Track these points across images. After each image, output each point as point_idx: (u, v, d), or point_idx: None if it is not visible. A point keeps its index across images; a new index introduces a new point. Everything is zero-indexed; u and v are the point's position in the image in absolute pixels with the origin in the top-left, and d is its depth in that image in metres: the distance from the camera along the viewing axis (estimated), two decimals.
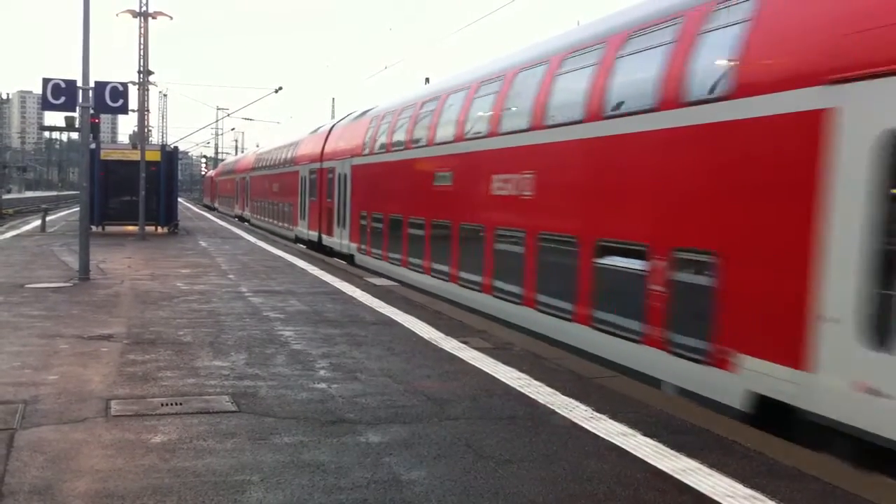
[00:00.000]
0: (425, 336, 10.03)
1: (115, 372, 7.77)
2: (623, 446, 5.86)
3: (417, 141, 17.56)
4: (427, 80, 36.49)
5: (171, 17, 31.54)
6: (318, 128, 32.62)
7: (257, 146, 71.57)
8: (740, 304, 7.59)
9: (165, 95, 75.03)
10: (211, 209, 71.88)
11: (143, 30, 30.89)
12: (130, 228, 29.56)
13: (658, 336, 8.79)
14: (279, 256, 21.47)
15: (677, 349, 8.48)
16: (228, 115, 73.73)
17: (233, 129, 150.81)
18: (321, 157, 27.58)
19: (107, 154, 30.43)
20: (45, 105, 15.36)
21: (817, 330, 6.58)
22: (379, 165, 20.54)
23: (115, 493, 4.74)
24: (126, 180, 29.16)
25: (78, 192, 19.99)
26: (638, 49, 9.67)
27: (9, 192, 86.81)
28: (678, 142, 8.75)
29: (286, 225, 34.37)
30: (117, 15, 30.42)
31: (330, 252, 24.97)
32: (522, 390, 7.43)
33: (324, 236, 26.84)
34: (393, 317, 11.51)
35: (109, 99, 15.77)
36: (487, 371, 8.18)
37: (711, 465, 5.48)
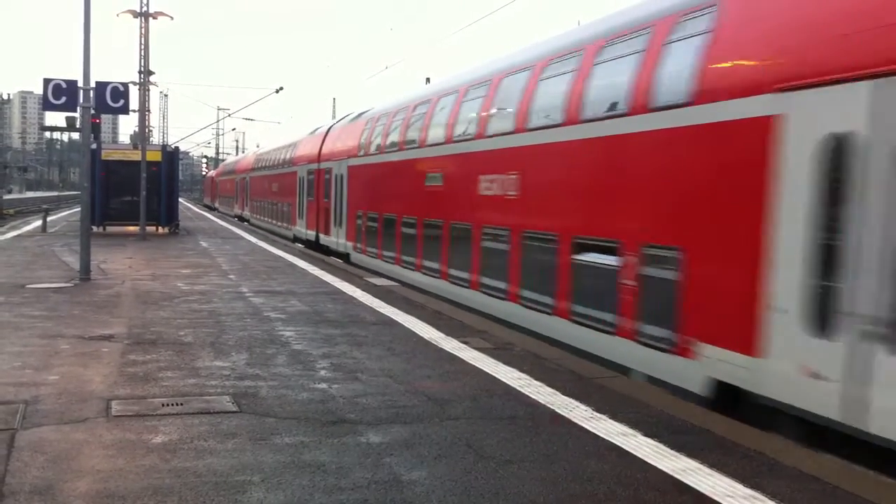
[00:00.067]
0: (426, 336, 10.04)
1: (116, 372, 7.78)
2: (623, 446, 5.87)
3: (410, 142, 18.03)
4: (427, 80, 36.51)
5: (172, 18, 31.61)
6: (316, 129, 32.95)
7: (257, 146, 71.66)
8: (700, 296, 8.12)
9: (166, 95, 75.14)
10: (211, 209, 71.98)
11: (143, 30, 30.93)
12: (131, 229, 29.59)
13: (629, 327, 9.31)
14: (280, 257, 21.48)
15: (645, 339, 9.01)
16: (229, 115, 73.71)
17: (233, 129, 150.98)
18: (319, 157, 27.92)
19: (108, 154, 30.44)
20: (46, 105, 15.37)
21: (767, 319, 7.11)
22: (374, 166, 21.01)
23: (116, 494, 4.75)
24: (127, 180, 29.18)
25: (79, 193, 20.03)
26: (612, 57, 10.19)
27: (10, 192, 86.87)
28: (646, 145, 9.26)
29: (285, 224, 34.76)
30: (118, 15, 30.48)
31: (327, 251, 25.39)
32: (523, 390, 7.44)
33: (321, 235, 27.26)
34: (393, 317, 11.51)
35: (110, 99, 15.79)
36: (488, 371, 8.19)
37: (711, 465, 5.48)
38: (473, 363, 8.55)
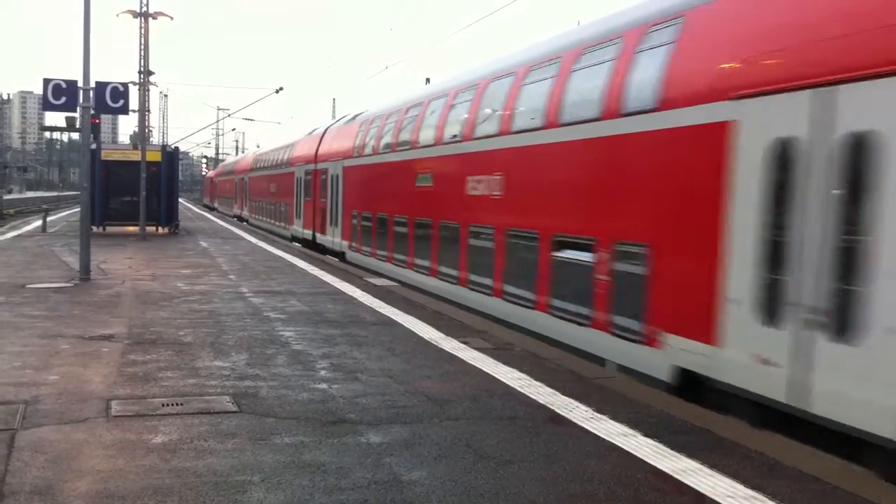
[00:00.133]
0: (425, 336, 10.04)
1: (116, 372, 7.78)
2: (623, 447, 5.87)
3: (402, 144, 18.51)
4: (427, 80, 36.55)
5: (172, 18, 31.63)
6: (313, 130, 33.35)
7: (257, 146, 71.73)
8: (665, 290, 8.66)
9: (166, 96, 75.17)
10: (211, 209, 72.05)
11: (143, 30, 30.93)
12: (131, 229, 29.58)
13: (602, 319, 9.83)
14: (280, 257, 21.48)
15: (617, 330, 9.52)
16: (229, 115, 73.85)
17: (233, 129, 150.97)
18: (315, 158, 28.37)
19: (107, 154, 30.44)
20: (46, 105, 15.38)
21: (723, 310, 7.65)
22: (368, 167, 21.55)
23: (116, 494, 4.75)
24: (127, 181, 29.17)
25: (78, 193, 20.02)
26: (587, 64, 10.73)
27: (9, 192, 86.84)
28: (617, 148, 9.81)
29: (283, 224, 35.18)
30: (118, 15, 30.50)
31: (323, 250, 25.89)
32: (523, 390, 7.44)
33: (318, 235, 27.70)
34: (393, 317, 11.51)
35: (110, 99, 15.79)
36: (488, 371, 8.19)
37: (712, 466, 5.48)
38: (473, 363, 8.55)
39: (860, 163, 6.34)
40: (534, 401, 7.10)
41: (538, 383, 7.71)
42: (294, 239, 31.28)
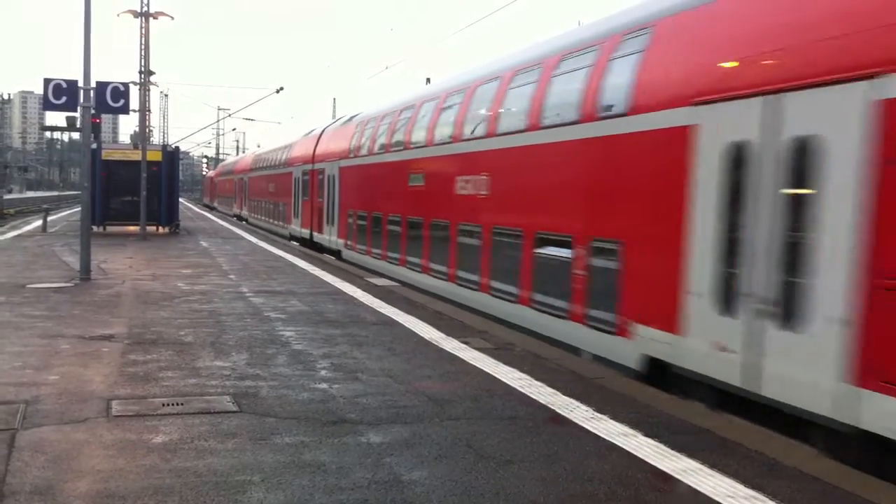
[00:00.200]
0: (426, 336, 10.04)
1: (117, 372, 7.78)
2: (624, 447, 5.87)
3: (395, 145, 19.05)
4: (428, 80, 36.60)
5: (172, 18, 31.64)
6: (311, 131, 33.83)
7: (258, 146, 71.78)
8: (636, 283, 9.17)
9: (166, 95, 75.17)
10: (211, 209, 72.14)
11: (143, 30, 30.95)
12: (131, 228, 29.59)
13: (579, 312, 10.34)
14: (280, 257, 21.48)
15: (592, 322, 10.02)
16: (229, 115, 73.57)
17: (234, 129, 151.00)
18: (313, 159, 28.83)
19: (108, 154, 30.43)
20: (47, 105, 15.38)
21: (686, 302, 8.18)
22: (363, 167, 22.11)
23: (117, 494, 4.75)
24: (127, 180, 29.18)
25: (79, 193, 20.03)
26: (567, 70, 11.24)
27: (10, 192, 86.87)
28: (593, 149, 10.32)
29: (281, 223, 35.73)
30: (118, 15, 30.52)
31: (320, 248, 26.44)
32: (523, 391, 7.44)
33: (315, 233, 28.22)
34: (394, 317, 11.51)
35: (111, 99, 15.78)
36: (488, 371, 8.19)
37: (712, 466, 5.48)
38: (474, 363, 8.55)
39: (803, 165, 6.82)
40: (534, 401, 7.10)
41: (539, 383, 7.71)
42: (292, 238, 31.68)
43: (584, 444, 5.91)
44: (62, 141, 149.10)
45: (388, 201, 19.35)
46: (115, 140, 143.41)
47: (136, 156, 29.04)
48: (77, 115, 17.98)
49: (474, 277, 13.79)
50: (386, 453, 5.59)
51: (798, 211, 6.84)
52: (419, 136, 17.26)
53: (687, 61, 8.62)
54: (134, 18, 30.75)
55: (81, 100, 15.07)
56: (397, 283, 16.03)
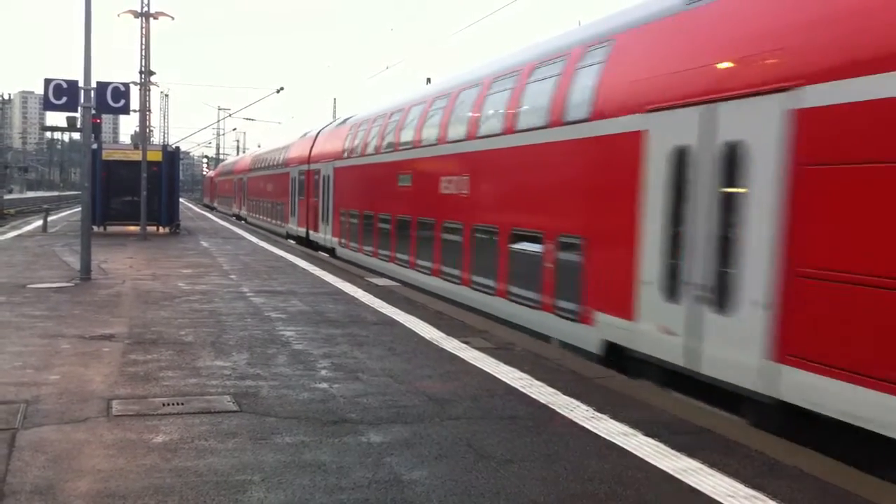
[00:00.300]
0: (426, 336, 10.04)
1: (117, 372, 7.78)
2: (624, 446, 5.87)
3: (386, 147, 19.88)
4: (428, 80, 36.66)
5: (173, 18, 31.65)
6: (307, 132, 34.57)
7: (258, 146, 71.87)
8: (597, 274, 9.95)
9: (167, 95, 75.10)
10: (211, 209, 72.23)
11: (144, 30, 30.95)
12: (132, 228, 29.59)
13: (549, 302, 11.11)
14: (281, 257, 21.49)
15: (560, 311, 10.78)
16: (230, 115, 73.58)
17: (234, 129, 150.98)
18: (309, 159, 29.59)
19: (108, 154, 30.42)
20: (47, 105, 15.38)
21: (638, 290, 8.94)
22: (355, 168, 23.01)
23: (117, 493, 4.75)
24: (127, 180, 29.18)
25: (79, 193, 20.04)
26: (539, 78, 12.01)
27: (10, 192, 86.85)
28: (560, 152, 11.08)
29: (278, 222, 36.59)
30: (119, 15, 30.53)
31: (316, 246, 27.24)
32: (524, 390, 7.44)
33: (310, 232, 29.01)
34: (394, 317, 11.51)
35: (111, 99, 15.78)
36: (489, 371, 8.19)
37: (713, 466, 5.48)
38: (474, 363, 8.55)
39: (733, 167, 7.60)
40: (535, 400, 7.10)
41: (539, 383, 7.71)
42: (289, 236, 32.35)
43: (584, 444, 5.91)
44: (62, 141, 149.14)
45: (378, 201, 20.14)
46: (115, 140, 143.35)
47: (136, 156, 29.04)
48: (77, 115, 17.96)
49: (456, 272, 14.59)
50: (386, 453, 5.59)
51: (729, 208, 7.64)
52: (407, 137, 18.08)
53: (640, 72, 9.41)
54: (134, 18, 30.76)
55: (82, 100, 15.07)
56: (397, 283, 16.08)
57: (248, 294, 13.64)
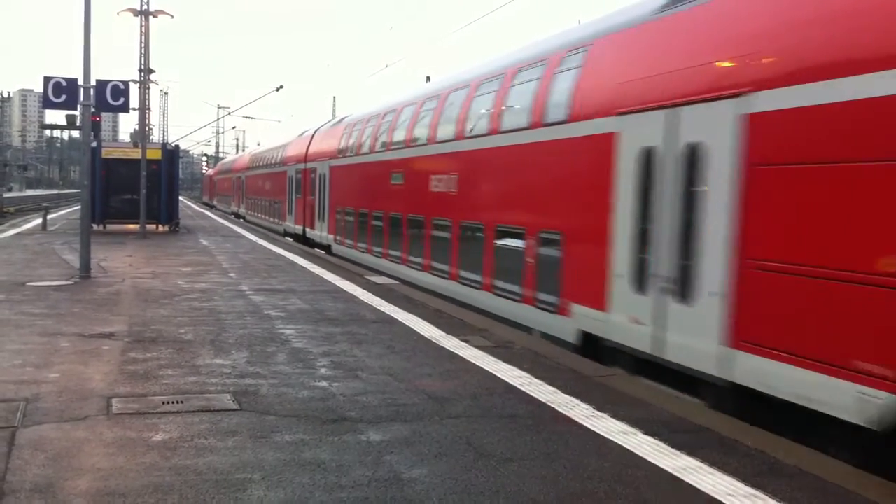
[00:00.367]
0: (426, 334, 10.04)
1: (117, 370, 7.78)
2: (624, 445, 5.87)
3: (379, 146, 20.45)
4: (428, 78, 36.66)
5: (172, 16, 31.62)
6: (304, 132, 35.18)
7: (258, 144, 71.90)
8: (574, 268, 10.48)
9: (166, 94, 75.14)
10: (210, 207, 72.27)
11: (143, 28, 30.91)
12: (131, 227, 29.57)
13: (530, 295, 11.63)
14: (280, 255, 21.48)
15: (540, 304, 11.29)
16: (229, 113, 73.72)
17: (233, 127, 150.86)
18: (305, 158, 30.09)
19: (108, 152, 30.39)
20: (47, 103, 15.38)
21: (611, 283, 9.45)
22: (350, 167, 23.62)
23: (117, 492, 4.75)
24: (127, 179, 29.18)
25: (79, 191, 20.04)
26: (522, 81, 12.55)
27: (10, 190, 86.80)
28: (540, 152, 11.63)
29: (276, 220, 37.22)
30: (118, 13, 30.46)
31: (312, 244, 27.78)
32: (523, 389, 7.44)
33: (307, 229, 29.57)
34: (394, 315, 11.51)
35: (110, 97, 15.78)
36: (488, 369, 8.19)
37: (712, 464, 5.48)
38: (474, 361, 8.55)
39: (693, 167, 8.13)
40: (534, 399, 7.10)
41: (539, 381, 7.71)
42: (286, 234, 32.83)
43: (583, 443, 5.91)
44: (62, 139, 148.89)
45: (372, 199, 20.70)
46: (115, 138, 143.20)
47: (135, 154, 29.02)
48: (77, 113, 17.98)
49: (445, 267, 15.14)
50: (386, 451, 5.59)
51: (690, 205, 8.17)
52: (400, 137, 18.63)
53: (613, 77, 9.94)
54: (134, 17, 30.71)
55: (81, 98, 15.04)
56: (396, 281, 16.11)
57: (248, 292, 13.63)
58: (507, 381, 7.73)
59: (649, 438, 6.02)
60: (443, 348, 9.22)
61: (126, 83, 16.09)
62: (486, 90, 13.94)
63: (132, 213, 29.03)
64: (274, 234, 31.72)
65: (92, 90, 15.15)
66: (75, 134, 66.57)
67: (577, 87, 10.65)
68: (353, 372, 7.95)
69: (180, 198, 40.13)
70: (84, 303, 12.01)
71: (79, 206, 20.32)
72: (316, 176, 28.01)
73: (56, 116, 64.05)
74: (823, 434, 6.53)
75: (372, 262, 20.05)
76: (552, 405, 6.90)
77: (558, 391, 7.36)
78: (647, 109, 8.93)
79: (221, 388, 7.19)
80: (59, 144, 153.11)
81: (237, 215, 53.29)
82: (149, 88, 32.62)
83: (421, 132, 17.13)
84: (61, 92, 15.05)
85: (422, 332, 10.17)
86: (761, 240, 7.20)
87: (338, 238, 24.63)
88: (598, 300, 9.69)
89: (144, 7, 30.62)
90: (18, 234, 27.26)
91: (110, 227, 30.07)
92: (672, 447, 5.82)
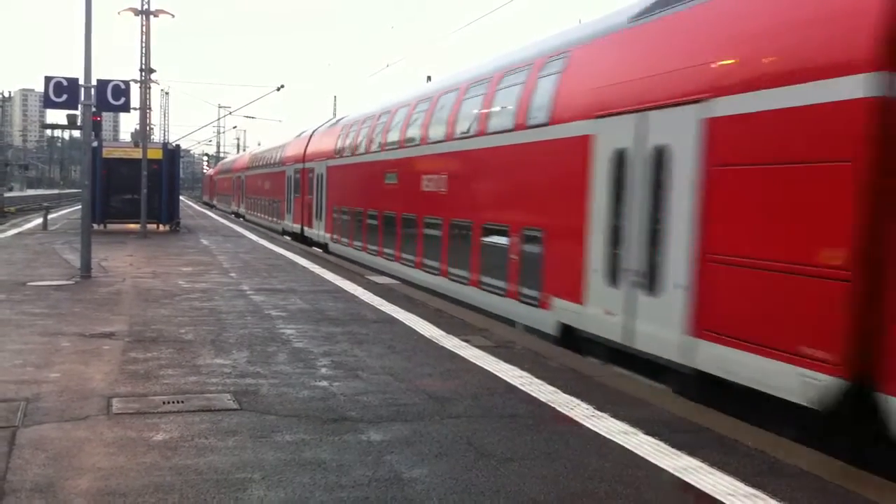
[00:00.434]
0: (426, 334, 10.04)
1: (117, 370, 7.78)
2: (624, 445, 5.87)
3: (374, 146, 21.02)
4: (429, 77, 36.70)
5: (173, 16, 31.66)
6: (302, 132, 35.80)
7: (259, 144, 71.98)
8: (553, 263, 11.04)
9: (167, 93, 75.17)
10: (210, 206, 72.34)
11: (144, 28, 30.93)
12: (132, 226, 29.57)
13: (514, 290, 12.19)
14: (281, 255, 21.49)
15: (523, 298, 11.86)
16: (230, 112, 73.71)
17: (234, 127, 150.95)
18: (303, 158, 30.66)
19: (109, 152, 30.37)
20: (48, 103, 15.38)
21: (587, 277, 10.02)
22: (347, 167, 24.24)
23: (117, 491, 4.75)
24: (128, 178, 29.17)
25: (79, 190, 20.05)
26: (507, 85, 13.13)
27: (10, 190, 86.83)
28: (524, 152, 12.19)
29: (275, 219, 37.91)
30: (119, 13, 30.50)
31: (310, 242, 28.31)
32: (524, 388, 7.44)
33: (305, 228, 30.21)
34: (394, 315, 11.51)
35: (111, 97, 15.78)
36: (489, 369, 8.19)
37: (713, 464, 5.48)
38: (474, 361, 8.55)
39: (659, 167, 8.66)
40: (535, 399, 7.10)
41: (539, 381, 7.71)
42: (285, 232, 33.43)
43: (584, 442, 5.91)
44: (63, 139, 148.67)
45: (367, 198, 21.35)
46: (115, 138, 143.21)
47: (136, 154, 29.02)
48: (78, 112, 17.96)
49: (436, 264, 15.70)
50: (386, 451, 5.59)
51: (657, 203, 8.72)
52: (394, 138, 19.23)
53: (590, 82, 10.51)
54: (135, 16, 30.74)
55: (82, 98, 15.04)
56: (396, 280, 16.14)
57: (248, 292, 13.64)
58: (508, 380, 7.73)
59: (650, 438, 6.02)
60: (443, 348, 9.22)
61: (127, 83, 16.10)
62: (475, 93, 14.51)
63: (133, 212, 29.02)
64: (273, 234, 31.75)
65: (93, 90, 15.16)
66: (76, 134, 66.55)
67: (558, 91, 11.23)
68: (353, 372, 7.95)
69: (181, 197, 40.15)
70: (85, 302, 12.01)
71: (79, 206, 20.32)
72: (313, 176, 28.48)
73: (57, 116, 64.08)
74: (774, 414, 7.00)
75: (368, 259, 20.57)
76: (553, 405, 6.90)
77: (559, 391, 7.36)
78: (620, 113, 9.45)
79: (222, 388, 7.19)
80: (59, 144, 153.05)
81: (237, 215, 53.69)
82: (150, 88, 32.66)
83: (413, 133, 17.67)
84: (62, 91, 15.05)
85: (422, 332, 10.17)
86: (718, 235, 7.76)
87: (334, 237, 25.15)
88: (575, 294, 10.25)
89: (145, 6, 30.63)
90: (19, 233, 27.27)
91: (111, 226, 30.06)
92: (672, 447, 5.82)
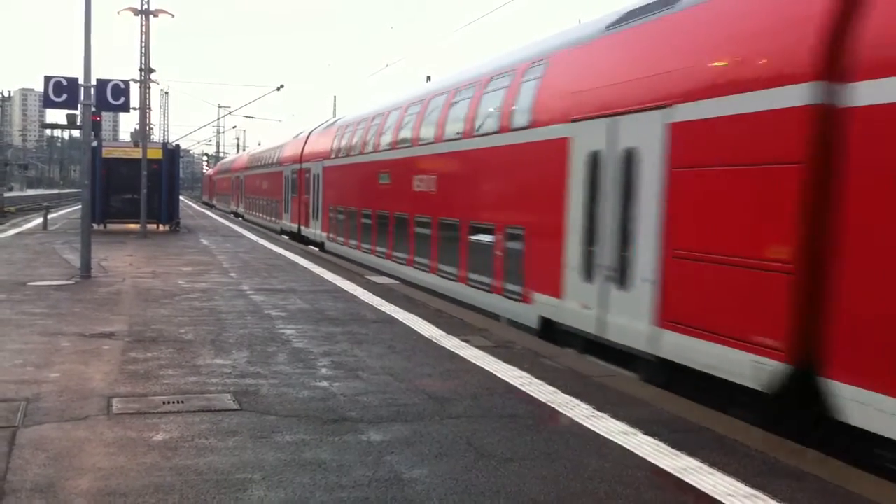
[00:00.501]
0: (426, 334, 10.04)
1: (117, 370, 7.78)
2: (624, 445, 5.87)
3: (368, 147, 21.62)
4: (428, 77, 36.77)
5: (173, 15, 31.64)
6: (300, 133, 36.46)
7: (259, 144, 72.01)
8: (534, 260, 11.59)
9: (167, 93, 75.18)
10: (210, 206, 72.36)
11: (144, 27, 30.92)
12: (132, 226, 29.57)
13: (498, 286, 12.78)
14: (281, 255, 21.48)
15: (507, 293, 12.42)
16: (230, 112, 73.59)
17: (234, 126, 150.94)
18: (300, 158, 31.18)
19: (108, 152, 30.37)
20: (47, 103, 15.37)
21: (565, 273, 10.60)
22: (342, 167, 24.84)
23: (117, 491, 4.75)
24: (127, 178, 29.17)
25: (79, 190, 20.05)
26: (493, 89, 13.71)
27: (10, 189, 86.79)
28: (507, 154, 12.77)
29: (273, 219, 38.43)
30: (119, 13, 30.48)
31: (307, 241, 28.81)
32: (523, 389, 7.44)
33: (302, 227, 30.79)
34: (394, 315, 11.52)
35: (111, 96, 15.78)
36: (488, 369, 8.19)
37: (712, 464, 5.48)
38: (474, 361, 8.55)
39: (629, 169, 9.20)
40: (535, 399, 7.10)
41: (539, 381, 7.72)
42: (282, 232, 33.97)
43: (584, 443, 5.91)
44: (62, 139, 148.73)
45: (361, 198, 21.98)
46: (115, 138, 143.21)
47: (136, 153, 29.02)
48: (77, 112, 17.97)
49: (426, 261, 16.23)
50: (386, 451, 5.60)
51: (627, 202, 9.25)
52: (387, 139, 19.80)
53: (568, 87, 11.00)
54: (134, 16, 30.72)
55: (82, 97, 15.04)
56: (396, 281, 16.14)
57: (248, 292, 13.64)
58: (508, 381, 7.74)
59: (649, 438, 6.02)
60: (443, 348, 9.23)
61: (126, 82, 16.10)
62: (463, 97, 15.10)
63: (133, 212, 29.02)
64: (272, 233, 31.80)
65: (92, 89, 15.16)
66: (76, 133, 66.49)
67: (538, 96, 11.82)
68: (353, 372, 7.95)
69: (181, 197, 40.14)
70: (85, 302, 12.01)
71: (79, 206, 20.32)
72: (310, 176, 28.96)
73: (57, 116, 63.95)
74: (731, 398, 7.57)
75: (362, 258, 21.17)
76: (552, 405, 6.90)
77: (558, 391, 7.36)
78: (594, 117, 10.01)
79: (222, 388, 7.19)
80: (59, 144, 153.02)
81: (236, 214, 54.09)
82: (149, 88, 32.64)
83: (405, 134, 18.28)
84: (62, 91, 15.05)
85: (422, 332, 10.17)
86: (680, 232, 8.34)
87: (330, 235, 25.68)
88: (554, 288, 10.85)
89: (145, 6, 30.62)
90: (19, 233, 27.27)
91: (111, 226, 30.07)
92: (672, 447, 5.82)
